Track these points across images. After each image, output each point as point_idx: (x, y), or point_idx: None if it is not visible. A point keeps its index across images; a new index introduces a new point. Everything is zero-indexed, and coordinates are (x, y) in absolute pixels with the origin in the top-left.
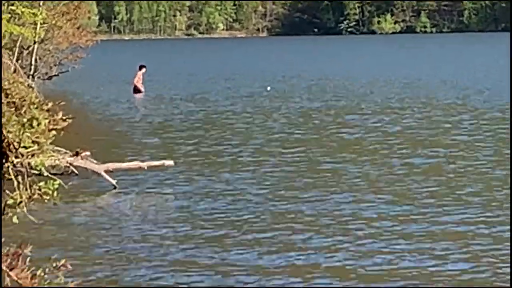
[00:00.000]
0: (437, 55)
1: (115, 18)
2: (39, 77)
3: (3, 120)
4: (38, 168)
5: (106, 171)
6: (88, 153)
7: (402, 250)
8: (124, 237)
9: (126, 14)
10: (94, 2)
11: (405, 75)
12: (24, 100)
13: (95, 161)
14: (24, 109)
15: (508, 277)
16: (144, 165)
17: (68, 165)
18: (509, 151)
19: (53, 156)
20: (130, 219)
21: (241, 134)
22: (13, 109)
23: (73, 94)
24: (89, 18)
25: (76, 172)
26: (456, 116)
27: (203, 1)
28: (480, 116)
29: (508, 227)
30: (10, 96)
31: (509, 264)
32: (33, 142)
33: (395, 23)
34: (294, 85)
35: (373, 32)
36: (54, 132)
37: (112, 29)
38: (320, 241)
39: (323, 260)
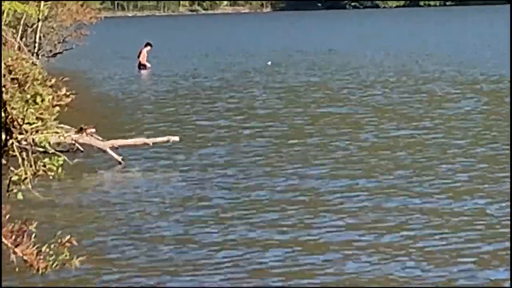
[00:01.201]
0: (436, 28)
1: None
2: (43, 55)
3: (7, 96)
4: (42, 144)
5: (111, 148)
6: (93, 129)
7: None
8: (129, 214)
9: None
10: None
11: (401, 48)
12: (28, 76)
13: (100, 138)
14: (27, 85)
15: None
16: (149, 141)
17: (73, 142)
18: (509, 131)
19: (57, 132)
20: (136, 196)
21: (243, 109)
22: (16, 85)
23: (78, 71)
24: None
25: (82, 149)
26: (445, 89)
27: None
28: (476, 89)
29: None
30: (13, 72)
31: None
32: (37, 118)
33: None
34: (294, 59)
35: (377, 6)
36: (58, 108)
37: (116, 5)
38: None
39: (326, 238)
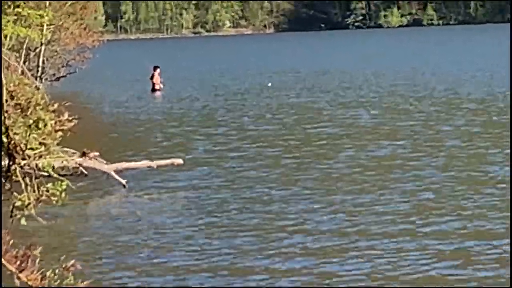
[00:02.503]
0: (440, 47)
1: (121, 18)
2: (46, 79)
3: (9, 122)
4: (45, 170)
5: (116, 171)
6: (97, 153)
7: (401, 250)
8: (133, 237)
9: (133, 13)
10: (100, 1)
11: (404, 67)
12: (30, 102)
13: (104, 161)
14: (30, 110)
15: (508, 277)
16: (154, 164)
17: (77, 165)
18: (509, 150)
19: (60, 157)
20: (140, 218)
21: (247, 131)
22: (19, 111)
23: (81, 94)
24: (95, 18)
25: (86, 172)
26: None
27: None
28: (475, 105)
29: (508, 226)
30: (15, 98)
31: (509, 264)
32: (40, 143)
33: (401, 16)
34: (293, 80)
35: (380, 26)
36: (60, 133)
37: (118, 28)
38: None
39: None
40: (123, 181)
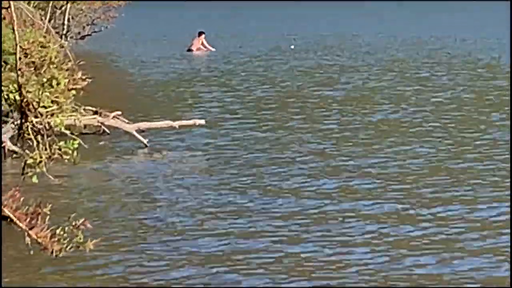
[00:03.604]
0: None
1: None
2: (71, 37)
3: (22, 80)
4: (58, 128)
5: (138, 131)
6: (119, 112)
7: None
8: (149, 199)
9: None
10: None
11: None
12: (44, 60)
13: (126, 120)
14: (43, 68)
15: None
16: (176, 124)
17: (99, 124)
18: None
19: (72, 115)
20: (160, 180)
21: (268, 94)
22: (32, 69)
23: (106, 54)
24: None
25: (108, 131)
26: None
27: None
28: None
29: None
30: (29, 56)
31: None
32: (52, 101)
33: None
34: (313, 43)
35: None
36: (74, 91)
37: None
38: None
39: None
40: (145, 141)
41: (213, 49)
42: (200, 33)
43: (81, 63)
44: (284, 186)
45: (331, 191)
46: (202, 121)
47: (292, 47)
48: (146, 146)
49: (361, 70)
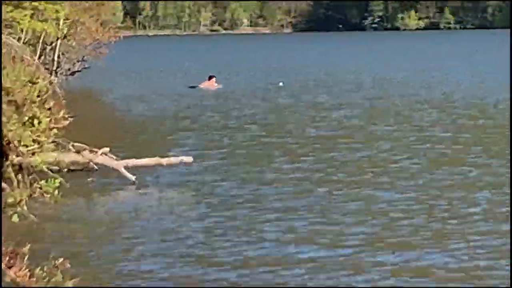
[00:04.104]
0: (457, 50)
1: (140, 14)
2: (61, 73)
3: (4, 118)
4: (38, 167)
5: (125, 167)
6: (107, 149)
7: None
8: (134, 237)
9: (151, 9)
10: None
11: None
12: (26, 99)
13: (114, 157)
14: (25, 107)
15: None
16: (163, 161)
17: (87, 161)
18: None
19: (51, 156)
20: (147, 216)
21: (256, 130)
22: (13, 107)
23: (96, 89)
24: (114, 14)
25: (96, 167)
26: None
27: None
28: (464, 113)
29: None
30: (11, 94)
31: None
32: (33, 140)
33: (419, 19)
34: (304, 80)
35: (397, 28)
36: (55, 130)
37: (137, 24)
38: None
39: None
40: (133, 178)
41: (220, 86)
42: (210, 77)
43: (70, 99)
44: (268, 229)
45: (309, 230)
46: (190, 159)
47: (281, 84)
48: (134, 183)
49: (345, 108)
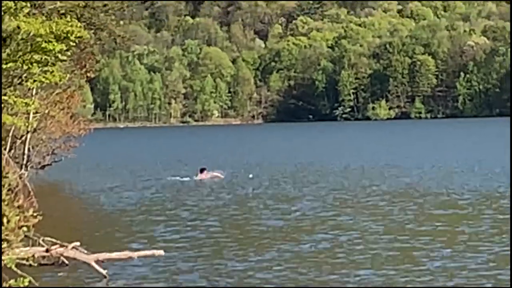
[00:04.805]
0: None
1: (110, 106)
2: (32, 167)
3: None
4: (8, 266)
5: (96, 261)
6: (77, 243)
7: (402, 250)
8: None
9: (121, 102)
10: (89, 90)
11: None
12: None
13: (85, 251)
14: None
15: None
16: (135, 255)
17: (58, 255)
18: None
19: (20, 257)
20: None
21: (227, 224)
22: None
23: (66, 183)
24: (84, 106)
25: (67, 262)
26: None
27: (198, 89)
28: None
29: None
30: None
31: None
32: (2, 240)
33: (389, 109)
34: (273, 172)
35: (368, 118)
36: (25, 228)
37: (107, 117)
38: None
39: None
40: (104, 272)
41: (222, 176)
42: (202, 170)
43: (40, 192)
44: None
45: None
46: (161, 252)
47: (251, 176)
48: (105, 277)
49: (309, 199)
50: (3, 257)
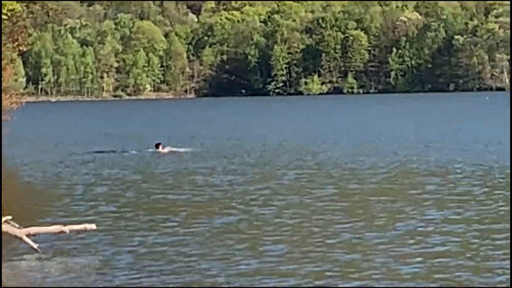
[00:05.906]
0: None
1: (42, 80)
2: None
3: None
4: None
5: (28, 235)
6: (9, 217)
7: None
8: None
9: (53, 75)
10: (21, 64)
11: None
12: None
13: (17, 225)
14: None
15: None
16: (66, 228)
17: None
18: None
19: None
20: (49, 285)
21: (157, 197)
22: None
23: None
24: (16, 80)
25: None
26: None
27: (131, 63)
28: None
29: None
30: None
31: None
32: None
33: (322, 84)
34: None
35: (301, 93)
36: None
37: (39, 90)
38: None
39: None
40: (35, 245)
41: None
42: (157, 145)
43: None
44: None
45: None
46: (93, 226)
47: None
48: (37, 251)
49: (230, 173)
50: None
